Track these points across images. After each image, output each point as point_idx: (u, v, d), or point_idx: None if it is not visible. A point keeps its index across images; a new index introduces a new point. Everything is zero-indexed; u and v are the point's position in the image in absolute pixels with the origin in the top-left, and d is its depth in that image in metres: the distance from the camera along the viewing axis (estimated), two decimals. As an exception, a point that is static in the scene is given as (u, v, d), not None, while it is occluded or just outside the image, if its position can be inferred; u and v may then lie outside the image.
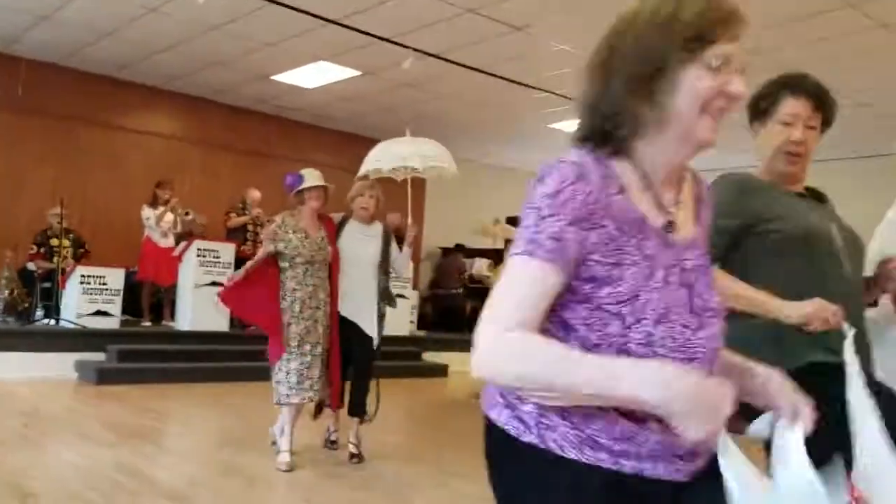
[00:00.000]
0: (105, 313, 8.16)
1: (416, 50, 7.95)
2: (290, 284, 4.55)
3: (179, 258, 8.78)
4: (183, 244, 8.86)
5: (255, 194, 9.45)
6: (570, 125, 10.61)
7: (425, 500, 4.12)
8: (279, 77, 9.47)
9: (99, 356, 7.81)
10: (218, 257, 8.77)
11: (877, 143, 10.10)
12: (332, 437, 5.01)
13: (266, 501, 3.85)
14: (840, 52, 7.08)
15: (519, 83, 8.94)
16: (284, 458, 4.42)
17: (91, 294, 8.10)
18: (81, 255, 8.79)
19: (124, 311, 8.53)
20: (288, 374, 4.44)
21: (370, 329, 4.73)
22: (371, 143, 14.05)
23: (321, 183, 4.70)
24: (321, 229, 4.72)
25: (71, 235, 8.72)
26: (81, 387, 7.28)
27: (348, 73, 9.05)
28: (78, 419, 5.81)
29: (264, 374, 7.33)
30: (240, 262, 8.95)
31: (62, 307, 8.19)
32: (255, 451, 5.07)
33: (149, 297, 9.02)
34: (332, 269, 4.69)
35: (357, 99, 10.21)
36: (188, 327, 8.59)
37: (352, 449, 4.77)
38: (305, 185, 4.65)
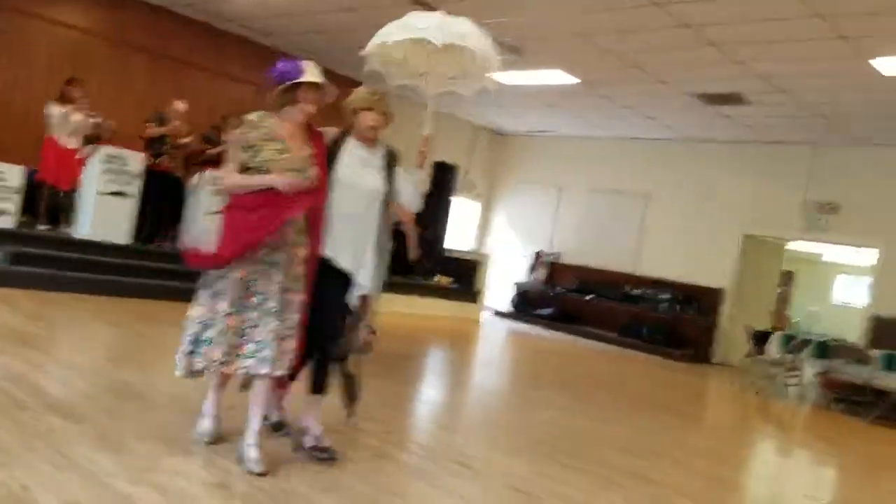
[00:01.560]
0: (1, 212, 7.64)
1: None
2: None
3: (82, 161, 8.30)
4: (89, 147, 8.36)
5: (179, 106, 8.91)
6: (511, 77, 10.51)
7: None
8: (209, -19, 8.92)
9: (-11, 256, 7.36)
10: (125, 165, 8.33)
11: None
12: (276, 419, 3.90)
13: (167, 428, 3.73)
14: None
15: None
16: (206, 424, 3.58)
17: (-15, 189, 7.57)
18: (-24, 145, 8.17)
19: (22, 212, 8.02)
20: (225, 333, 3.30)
21: (364, 276, 3.62)
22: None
23: (323, 80, 3.47)
24: (308, 144, 3.49)
25: (-34, 123, 8.08)
26: (-33, 287, 6.85)
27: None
28: (-38, 321, 5.47)
29: (166, 293, 7.11)
30: (150, 174, 8.56)
31: (-49, 200, 7.62)
32: (152, 373, 4.92)
33: (47, 200, 8.50)
34: (318, 198, 3.48)
35: (292, 16, 9.76)
36: (87, 235, 8.18)
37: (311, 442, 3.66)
38: (309, 77, 3.42)
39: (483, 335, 11.35)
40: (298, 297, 3.40)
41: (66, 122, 8.21)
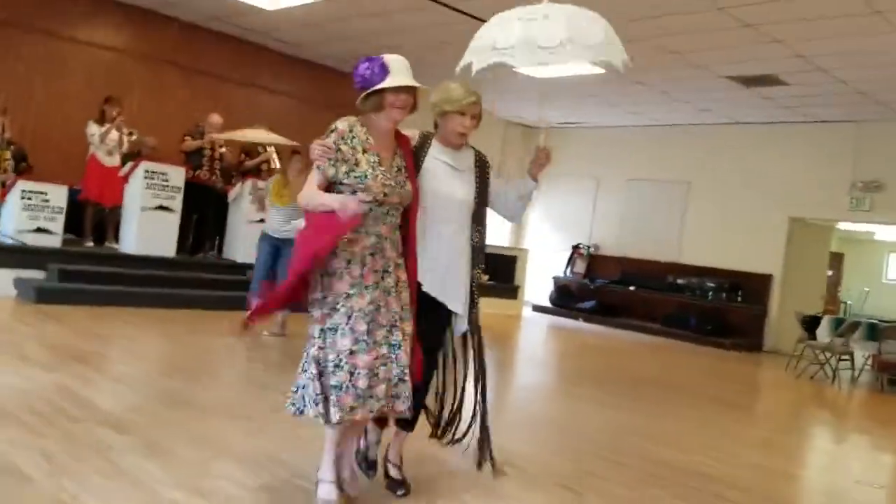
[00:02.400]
0: (46, 231, 7.87)
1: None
2: None
3: (125, 179, 8.49)
4: (130, 164, 8.56)
5: (214, 119, 9.08)
6: (536, 70, 10.50)
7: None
8: (237, -6, 9.05)
9: (39, 274, 7.58)
10: (167, 181, 8.52)
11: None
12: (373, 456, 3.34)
13: (213, 434, 3.80)
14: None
15: (482, 20, 8.71)
16: (326, 491, 2.94)
17: (32, 210, 7.79)
18: (24, 168, 8.42)
19: (66, 230, 8.24)
20: (354, 374, 2.82)
21: (457, 307, 3.21)
22: (333, 73, 13.80)
23: (414, 83, 2.95)
24: (398, 153, 3.07)
25: (12, 147, 8.32)
26: (20, 305, 7.06)
27: (310, -4, 8.69)
28: (16, 339, 5.64)
29: (212, 303, 7.22)
30: (191, 187, 8.72)
31: (1, 222, 7.86)
32: (200, 382, 5.02)
33: (92, 218, 8.72)
34: (411, 215, 3.05)
35: (319, 25, 9.85)
36: (133, 250, 8.37)
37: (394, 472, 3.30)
38: (390, 82, 2.91)
39: (524, 331, 11.31)
40: (409, 328, 3.00)
41: (105, 140, 8.41)
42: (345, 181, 2.89)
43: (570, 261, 14.34)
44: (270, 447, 3.64)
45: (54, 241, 7.94)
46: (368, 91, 2.92)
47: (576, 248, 14.30)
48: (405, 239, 3.04)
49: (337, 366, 2.81)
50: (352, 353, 2.82)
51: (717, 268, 12.36)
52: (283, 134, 9.06)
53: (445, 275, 3.13)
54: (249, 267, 8.73)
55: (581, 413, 5.61)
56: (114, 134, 8.47)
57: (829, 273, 13.96)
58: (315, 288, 2.91)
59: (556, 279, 14.29)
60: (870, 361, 9.31)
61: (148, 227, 8.37)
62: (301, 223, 3.27)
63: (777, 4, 7.09)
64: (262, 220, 7.65)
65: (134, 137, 8.88)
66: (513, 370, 8.00)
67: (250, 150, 9.54)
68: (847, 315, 14.36)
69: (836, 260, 16.31)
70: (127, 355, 5.79)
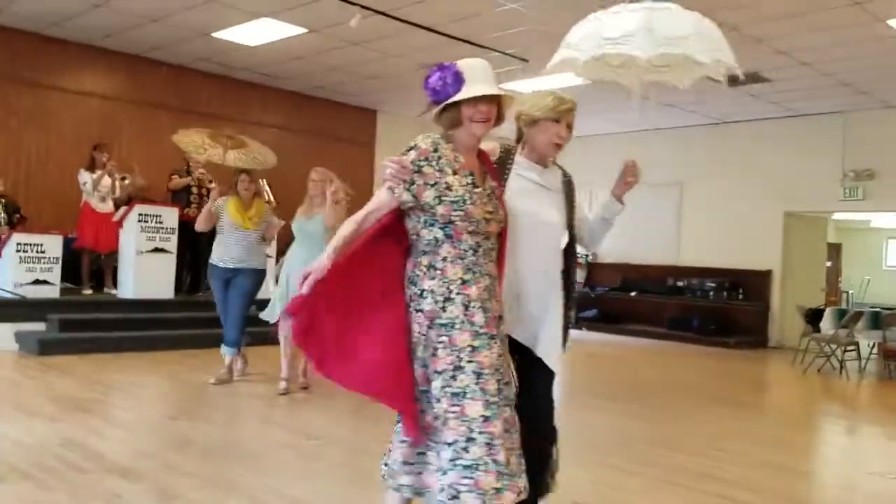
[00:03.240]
0: (44, 282, 7.89)
1: (363, 7, 7.74)
2: (453, 273, 2.38)
3: (119, 224, 8.52)
4: (123, 209, 8.59)
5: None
6: (520, 85, 10.59)
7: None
8: (220, 34, 9.14)
9: (39, 326, 7.58)
10: (161, 222, 8.54)
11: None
12: None
13: (221, 474, 3.80)
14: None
15: (468, 42, 8.80)
16: None
17: (29, 262, 7.82)
18: (17, 221, 8.45)
19: (64, 278, 8.26)
20: (491, 446, 2.28)
21: (552, 356, 2.75)
22: (322, 102, 13.87)
23: (495, 90, 2.46)
24: (484, 172, 2.56)
25: (3, 201, 8.37)
26: (22, 359, 7.06)
27: (293, 30, 8.78)
28: (20, 393, 5.64)
29: (214, 341, 7.25)
30: (183, 226, 8.72)
31: (-2, 276, 7.90)
32: (205, 422, 5.02)
33: (89, 265, 8.74)
34: (502, 245, 2.54)
35: (304, 58, 9.94)
36: (131, 295, 8.38)
37: None
38: (466, 93, 2.41)
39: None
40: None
41: (97, 187, 8.46)
42: (437, 209, 2.37)
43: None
44: (280, 484, 3.63)
45: (53, 292, 7.96)
46: (446, 103, 2.44)
47: (574, 257, 14.28)
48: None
49: (470, 439, 2.27)
50: (485, 419, 2.28)
51: (716, 267, 12.37)
52: (276, 165, 9.05)
53: (539, 319, 2.68)
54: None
55: (589, 423, 5.60)
56: (106, 180, 8.52)
57: (829, 264, 13.98)
58: (420, 344, 2.37)
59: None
60: (876, 350, 9.30)
61: (145, 270, 8.38)
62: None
63: (758, 3, 7.16)
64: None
65: (126, 182, 8.93)
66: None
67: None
68: (849, 305, 14.34)
69: (835, 250, 16.32)
70: (131, 401, 5.79)
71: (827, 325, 9.33)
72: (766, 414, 7.07)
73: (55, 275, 7.99)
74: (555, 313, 2.70)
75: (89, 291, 8.62)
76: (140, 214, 8.41)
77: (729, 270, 12.22)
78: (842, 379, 8.70)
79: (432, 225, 2.39)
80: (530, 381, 2.65)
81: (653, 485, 4.04)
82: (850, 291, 16.69)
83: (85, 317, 7.85)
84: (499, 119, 2.50)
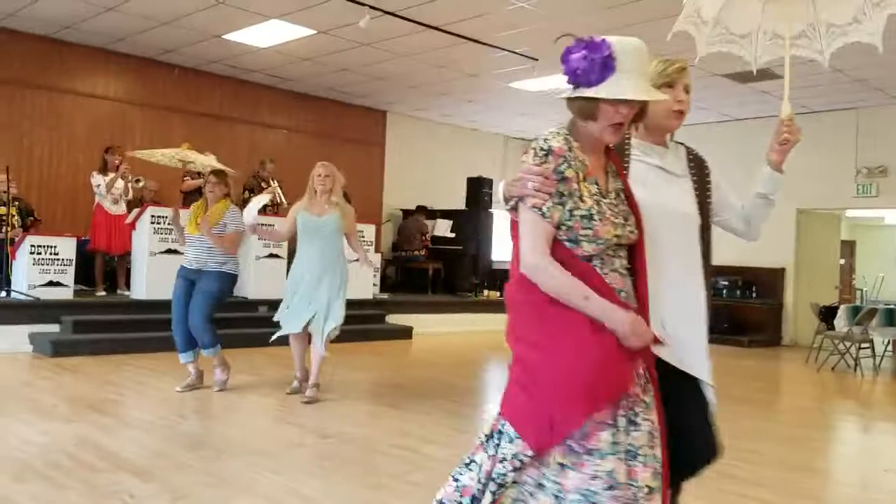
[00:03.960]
0: (58, 284, 7.94)
1: (372, 7, 7.76)
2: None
3: (132, 226, 8.56)
4: (136, 211, 8.63)
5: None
6: (530, 84, 10.57)
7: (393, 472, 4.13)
8: (230, 36, 9.18)
9: (53, 328, 7.63)
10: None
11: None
12: None
13: (234, 473, 3.80)
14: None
15: (477, 41, 8.80)
16: None
17: (43, 265, 7.87)
18: (31, 223, 8.52)
19: (77, 280, 8.31)
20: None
21: (703, 372, 2.45)
22: (331, 104, 13.96)
23: (649, 95, 1.96)
24: (610, 170, 2.08)
25: (17, 204, 8.43)
26: (36, 360, 7.11)
27: (303, 31, 8.81)
28: (34, 394, 5.67)
29: (225, 343, 7.27)
30: (196, 228, 8.74)
31: (13, 279, 7.94)
32: (218, 422, 5.03)
33: (102, 267, 8.80)
34: (637, 254, 2.05)
35: (313, 59, 9.97)
36: (144, 296, 8.42)
37: None
38: (610, 91, 1.89)
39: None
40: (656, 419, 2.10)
41: (110, 189, 8.51)
42: (566, 223, 1.90)
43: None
44: (292, 483, 3.63)
45: (67, 294, 8.01)
46: (588, 93, 1.90)
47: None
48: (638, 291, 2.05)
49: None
50: (651, 491, 1.94)
51: (728, 265, 12.28)
52: (285, 166, 9.10)
53: (682, 330, 2.28)
54: (261, 303, 8.78)
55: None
56: (119, 182, 8.57)
57: (842, 261, 13.88)
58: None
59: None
60: (890, 347, 9.22)
61: (158, 271, 8.41)
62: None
63: None
64: (273, 256, 7.43)
65: (141, 184, 8.98)
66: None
67: (254, 187, 9.61)
68: (863, 302, 14.23)
69: (849, 247, 16.21)
70: (144, 401, 5.81)
71: (841, 322, 9.26)
72: (781, 412, 7.02)
73: (69, 277, 8.04)
74: (700, 320, 2.35)
75: (102, 293, 8.67)
76: (153, 216, 8.45)
77: (742, 268, 12.14)
78: (856, 376, 8.63)
79: (573, 242, 1.91)
80: (683, 410, 2.23)
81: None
82: (864, 289, 16.55)
83: (98, 318, 7.90)
84: (640, 115, 2.04)
